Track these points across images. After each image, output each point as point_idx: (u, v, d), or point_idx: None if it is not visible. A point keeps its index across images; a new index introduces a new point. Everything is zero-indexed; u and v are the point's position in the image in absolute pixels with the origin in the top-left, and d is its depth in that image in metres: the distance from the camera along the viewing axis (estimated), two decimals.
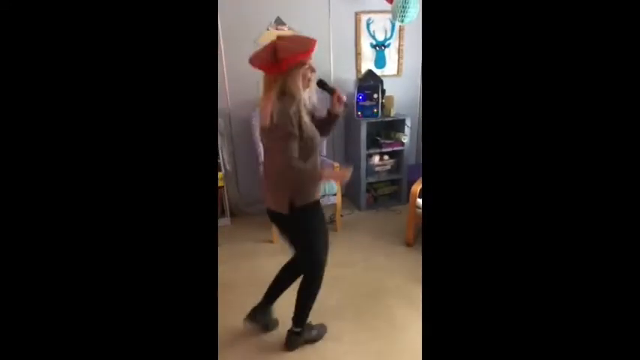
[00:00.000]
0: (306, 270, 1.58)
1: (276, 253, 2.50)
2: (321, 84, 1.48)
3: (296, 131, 1.29)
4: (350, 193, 3.26)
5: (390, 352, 1.65)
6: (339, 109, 1.50)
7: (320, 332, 1.73)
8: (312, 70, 1.35)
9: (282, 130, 1.28)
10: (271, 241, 2.63)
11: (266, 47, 1.30)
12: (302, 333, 1.65)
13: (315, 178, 1.41)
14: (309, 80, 1.35)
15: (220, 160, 2.78)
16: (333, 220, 2.83)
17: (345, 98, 1.51)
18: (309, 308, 1.62)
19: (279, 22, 2.84)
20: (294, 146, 1.30)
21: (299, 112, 1.31)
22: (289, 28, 2.87)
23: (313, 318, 1.72)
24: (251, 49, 2.85)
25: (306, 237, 1.49)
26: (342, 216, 2.87)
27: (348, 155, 3.23)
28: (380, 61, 3.16)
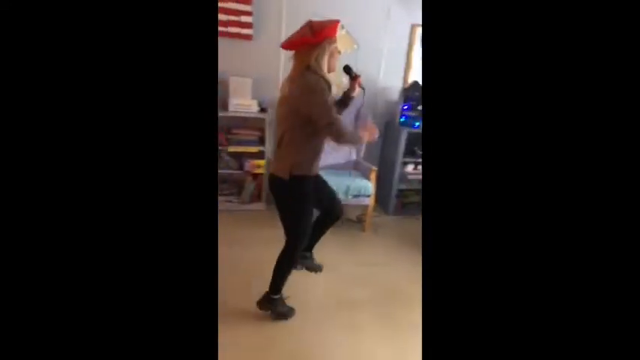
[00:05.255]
0: (289, 239, 1.72)
1: None
2: (347, 69, 1.68)
3: (329, 102, 1.48)
4: (379, 197, 3.38)
5: (410, 347, 1.77)
6: (355, 92, 1.70)
7: (289, 312, 1.86)
8: (339, 51, 1.54)
9: (318, 105, 1.45)
10: None
11: (301, 28, 1.52)
12: (275, 301, 1.80)
13: (359, 142, 1.72)
14: (335, 60, 1.54)
15: (264, 149, 2.95)
16: (362, 220, 2.96)
17: (363, 84, 1.72)
18: (284, 279, 1.78)
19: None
20: (339, 119, 1.51)
21: (329, 88, 1.49)
22: (347, 32, 2.99)
23: (339, 309, 1.89)
24: None
25: (297, 206, 1.65)
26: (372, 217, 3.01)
27: (383, 159, 3.34)
28: None
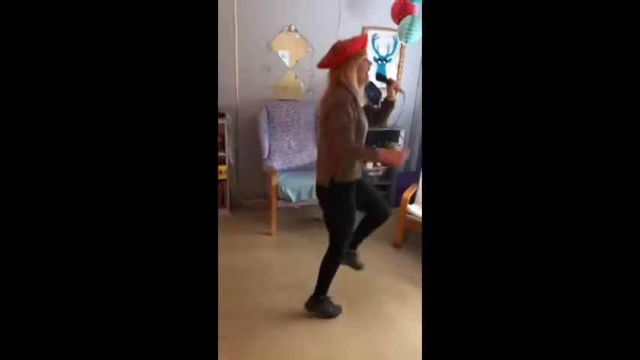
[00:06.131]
0: (332, 243, 1.84)
1: (273, 246, 2.68)
2: (380, 77, 1.78)
3: (346, 119, 1.55)
4: None
5: (381, 338, 1.86)
6: (395, 97, 1.78)
7: (335, 311, 1.98)
8: (369, 62, 1.65)
9: (335, 119, 1.55)
10: (269, 234, 2.80)
11: (330, 49, 1.65)
12: (322, 302, 1.93)
13: (359, 158, 1.74)
14: (366, 73, 1.65)
15: (225, 154, 2.93)
16: None
17: (401, 87, 1.76)
18: (330, 279, 1.90)
19: (291, 29, 3.02)
20: (348, 132, 1.56)
21: (354, 101, 1.59)
22: (300, 35, 3.05)
23: (304, 301, 1.93)
24: (263, 53, 3.02)
25: (339, 210, 1.78)
26: None
27: None
28: None
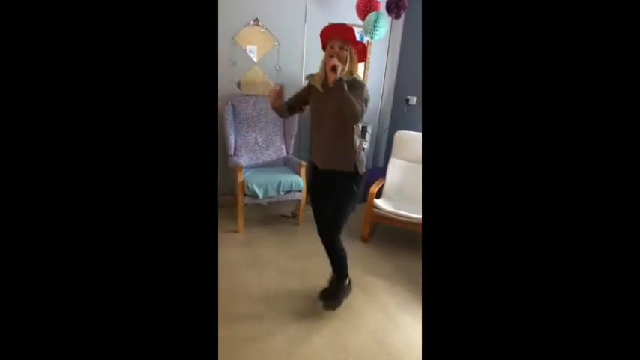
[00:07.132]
0: None
1: (240, 244, 2.64)
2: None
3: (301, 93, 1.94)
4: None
5: (346, 331, 1.88)
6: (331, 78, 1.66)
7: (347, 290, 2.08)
8: (331, 46, 1.71)
9: None
10: (236, 232, 2.75)
11: None
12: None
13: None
14: (327, 58, 1.72)
15: None
16: (296, 215, 3.02)
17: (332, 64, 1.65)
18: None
19: (257, 22, 2.97)
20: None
21: (312, 86, 1.83)
22: (265, 29, 3.01)
23: (277, 299, 1.92)
24: (228, 47, 2.95)
25: None
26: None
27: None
28: None
